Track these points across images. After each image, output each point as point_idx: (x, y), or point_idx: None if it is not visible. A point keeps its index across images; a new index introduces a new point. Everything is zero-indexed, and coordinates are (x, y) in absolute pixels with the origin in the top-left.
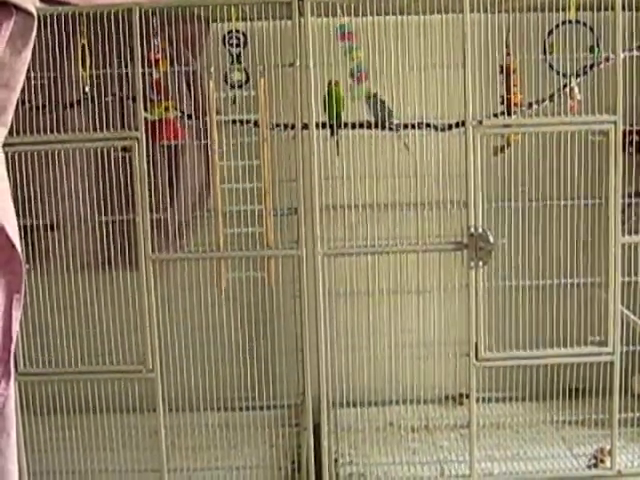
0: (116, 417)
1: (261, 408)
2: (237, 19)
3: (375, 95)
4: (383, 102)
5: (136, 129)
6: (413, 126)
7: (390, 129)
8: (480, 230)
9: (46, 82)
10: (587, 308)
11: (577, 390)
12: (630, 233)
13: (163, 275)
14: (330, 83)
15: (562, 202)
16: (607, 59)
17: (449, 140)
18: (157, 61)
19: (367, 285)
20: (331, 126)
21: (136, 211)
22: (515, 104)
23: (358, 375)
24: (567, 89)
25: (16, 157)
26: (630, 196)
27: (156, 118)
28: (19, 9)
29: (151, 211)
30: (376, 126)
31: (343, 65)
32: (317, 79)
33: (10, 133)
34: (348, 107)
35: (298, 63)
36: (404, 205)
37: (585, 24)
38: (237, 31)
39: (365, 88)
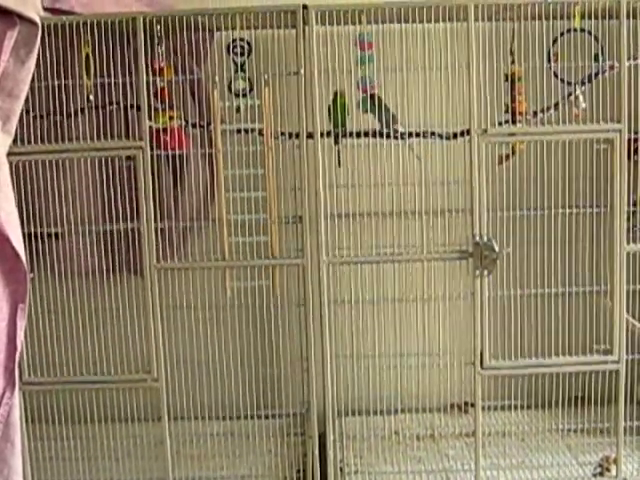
0: (121, 426)
1: (266, 417)
2: (241, 27)
3: (375, 96)
4: (387, 107)
5: (140, 138)
6: (417, 134)
7: (395, 137)
8: (485, 239)
9: (50, 91)
10: (592, 316)
11: (582, 398)
12: (635, 241)
13: (168, 284)
14: (336, 94)
15: (567, 210)
16: (612, 67)
17: (454, 148)
18: (161, 70)
19: (372, 293)
20: (335, 135)
21: (140, 220)
22: (520, 112)
23: (363, 384)
24: (572, 97)
25: (20, 166)
26: (635, 204)
27: (160, 127)
28: (23, 18)
29: (155, 220)
30: (381, 135)
31: (354, 73)
32: (322, 88)
33: (14, 142)
34: (353, 116)
35: (302, 72)
36: (409, 213)
37: (590, 32)
38: (241, 39)
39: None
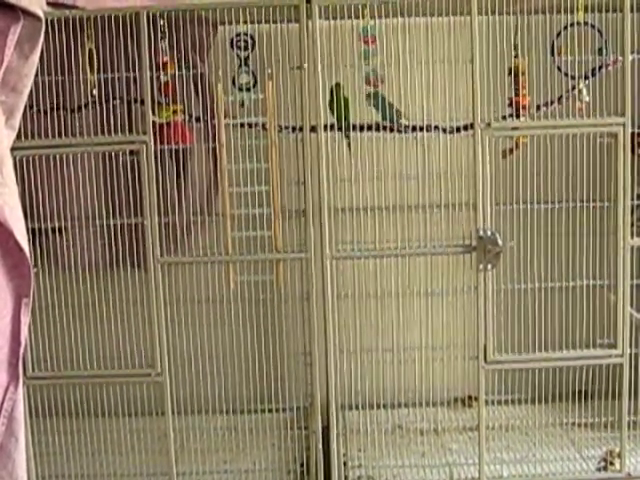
0: (124, 421)
1: (269, 411)
2: (245, 22)
3: (378, 93)
4: (391, 103)
5: (144, 133)
6: (421, 128)
7: (398, 131)
8: (489, 232)
9: (54, 86)
10: (596, 310)
11: (586, 392)
12: (639, 235)
13: (172, 278)
14: (332, 87)
15: (570, 204)
16: (615, 61)
17: (457, 142)
18: (165, 64)
19: (375, 288)
20: (340, 128)
21: (144, 214)
22: (523, 106)
23: (366, 378)
24: (575, 91)
25: (24, 161)
26: (639, 198)
27: (164, 121)
28: (27, 13)
29: (159, 214)
30: (384, 128)
31: (358, 68)
32: (325, 82)
33: (18, 137)
34: (356, 110)
35: (306, 66)
36: (412, 208)
37: (593, 26)
38: (245, 34)
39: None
